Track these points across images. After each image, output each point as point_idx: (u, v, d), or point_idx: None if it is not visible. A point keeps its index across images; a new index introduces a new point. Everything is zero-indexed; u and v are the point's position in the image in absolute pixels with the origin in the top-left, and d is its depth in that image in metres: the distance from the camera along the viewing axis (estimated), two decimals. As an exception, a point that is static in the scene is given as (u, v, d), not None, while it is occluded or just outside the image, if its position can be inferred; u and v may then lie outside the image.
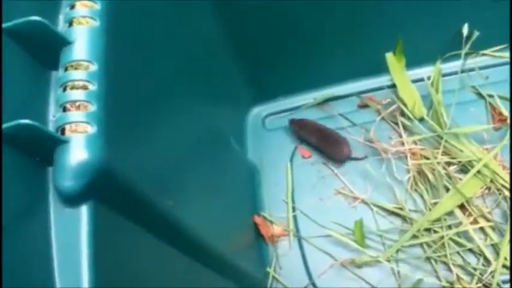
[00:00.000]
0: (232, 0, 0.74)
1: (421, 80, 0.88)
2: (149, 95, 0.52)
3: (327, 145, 0.87)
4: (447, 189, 0.79)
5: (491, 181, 0.79)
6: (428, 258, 0.77)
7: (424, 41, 0.86)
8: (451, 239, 0.77)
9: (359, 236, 0.80)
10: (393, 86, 0.89)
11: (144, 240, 0.47)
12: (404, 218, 0.81)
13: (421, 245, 0.78)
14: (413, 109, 0.85)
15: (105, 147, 0.39)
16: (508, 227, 0.75)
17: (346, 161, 0.86)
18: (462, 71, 0.89)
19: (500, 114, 0.85)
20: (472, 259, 0.76)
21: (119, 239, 0.43)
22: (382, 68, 0.89)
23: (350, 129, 0.89)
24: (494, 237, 0.77)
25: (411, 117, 0.85)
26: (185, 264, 0.55)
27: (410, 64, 0.89)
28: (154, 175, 0.49)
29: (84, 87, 0.41)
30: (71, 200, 0.38)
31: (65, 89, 0.41)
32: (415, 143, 0.84)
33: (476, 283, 0.74)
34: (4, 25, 0.40)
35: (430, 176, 0.81)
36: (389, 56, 0.88)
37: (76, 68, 0.42)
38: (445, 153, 0.82)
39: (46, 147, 0.38)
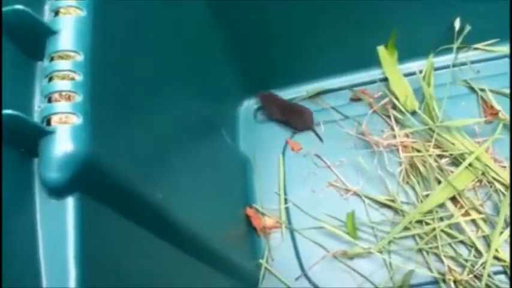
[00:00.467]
0: (224, -8, 0.74)
1: (413, 73, 0.88)
2: (137, 86, 0.51)
3: (290, 115, 0.89)
4: (439, 182, 0.79)
5: (483, 174, 0.79)
6: (420, 250, 0.78)
7: (416, 34, 0.86)
8: (442, 230, 0.77)
9: (351, 228, 0.80)
10: (385, 79, 0.89)
11: (132, 233, 0.46)
12: (396, 210, 0.81)
13: (412, 236, 0.79)
14: (405, 102, 0.85)
15: (91, 138, 0.39)
16: (500, 219, 0.76)
17: (307, 129, 0.88)
18: (454, 65, 0.89)
19: (492, 108, 0.86)
20: (463, 251, 0.77)
21: (107, 231, 0.42)
22: (374, 62, 0.89)
23: (342, 123, 0.89)
24: (486, 229, 0.77)
25: (403, 110, 0.85)
26: (176, 257, 0.55)
27: (402, 58, 0.89)
28: (142, 167, 0.48)
29: (70, 78, 0.40)
30: (57, 191, 0.38)
31: (50, 80, 0.41)
32: (407, 136, 0.84)
33: (468, 274, 0.75)
34: (-12, 14, 0.39)
35: (422, 169, 0.81)
36: (381, 50, 0.88)
37: (62, 58, 0.42)
38: (436, 146, 0.82)
39: (31, 138, 0.37)
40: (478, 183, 0.80)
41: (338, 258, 0.80)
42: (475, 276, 0.75)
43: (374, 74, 0.91)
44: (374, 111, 0.88)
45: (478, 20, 0.84)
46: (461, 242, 0.77)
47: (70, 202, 0.38)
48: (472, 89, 0.88)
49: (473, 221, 0.78)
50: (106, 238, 0.43)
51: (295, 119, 0.89)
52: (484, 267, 0.74)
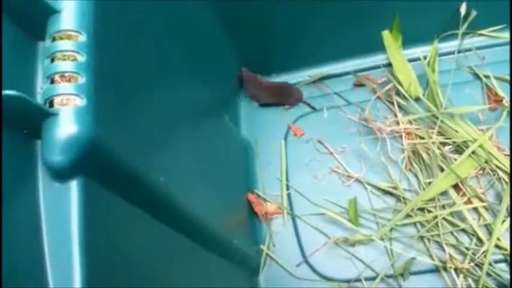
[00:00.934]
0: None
1: (417, 59, 0.87)
2: (139, 69, 0.50)
3: (279, 95, 0.89)
4: (441, 169, 0.79)
5: (486, 162, 0.79)
6: (421, 238, 0.78)
7: (421, 19, 0.85)
8: (444, 218, 0.77)
9: (353, 215, 0.80)
10: (389, 65, 0.89)
11: (134, 217, 0.46)
12: (398, 198, 0.81)
13: (414, 224, 0.79)
14: (409, 88, 0.84)
15: (94, 120, 0.38)
16: (502, 208, 0.75)
17: (299, 102, 0.89)
18: (459, 51, 0.88)
19: (496, 95, 0.85)
20: (465, 239, 0.77)
21: (109, 214, 0.42)
22: (378, 47, 0.88)
23: (345, 108, 0.88)
24: (488, 217, 0.77)
25: (407, 96, 0.84)
26: (177, 241, 0.55)
27: (407, 43, 0.88)
28: (144, 150, 0.48)
29: (72, 59, 0.39)
30: (60, 174, 0.37)
31: (52, 60, 0.40)
32: (410, 122, 0.83)
33: (469, 262, 0.75)
34: (-12, -7, 0.38)
35: (425, 156, 0.80)
36: (386, 34, 0.87)
37: (63, 39, 0.41)
38: (440, 133, 0.81)
39: (34, 120, 0.37)
40: (480, 172, 0.79)
41: (339, 245, 0.79)
42: (476, 265, 0.75)
43: (378, 59, 0.90)
44: (377, 97, 0.87)
45: (484, 5, 0.83)
46: (463, 230, 0.77)
47: (73, 185, 0.37)
48: (477, 76, 0.87)
49: (475, 209, 0.78)
50: (108, 221, 0.42)
51: (285, 97, 0.89)
52: (485, 256, 0.74)
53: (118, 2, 0.47)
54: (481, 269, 0.74)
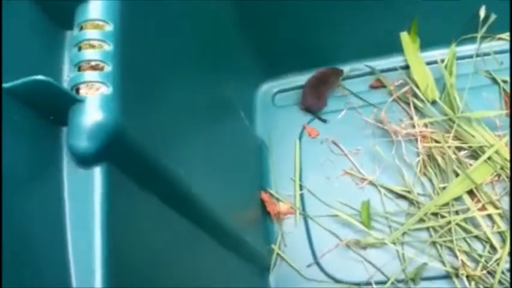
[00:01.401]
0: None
1: (435, 62, 0.87)
2: (162, 61, 0.50)
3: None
4: (456, 174, 0.78)
5: (502, 168, 0.78)
6: (433, 243, 0.77)
7: (440, 22, 0.84)
8: (458, 224, 0.76)
9: (365, 217, 0.79)
10: (406, 67, 0.88)
11: (153, 206, 0.46)
12: (411, 202, 0.80)
13: (427, 229, 0.78)
14: (426, 91, 0.84)
15: (120, 108, 0.38)
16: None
17: (307, 111, 0.89)
18: (477, 55, 0.87)
19: (514, 100, 0.84)
20: (478, 246, 0.76)
21: (130, 202, 0.42)
22: (395, 49, 0.88)
23: (361, 110, 0.88)
24: (502, 225, 0.76)
25: (423, 99, 0.84)
26: (191, 233, 0.55)
27: (425, 45, 0.88)
28: (165, 141, 0.48)
29: (100, 47, 0.40)
30: (85, 161, 0.37)
31: (79, 49, 0.40)
32: (426, 126, 0.83)
33: (481, 270, 0.74)
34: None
35: (440, 160, 0.80)
36: (404, 36, 0.86)
37: (90, 28, 0.41)
38: (456, 137, 0.81)
39: (61, 106, 0.37)
40: (496, 178, 0.79)
41: (351, 247, 0.79)
42: (489, 272, 0.74)
43: (395, 61, 0.89)
44: (394, 99, 0.86)
45: (504, 8, 0.82)
46: (476, 236, 0.76)
47: (98, 172, 0.38)
48: (495, 80, 0.86)
49: (490, 216, 0.77)
50: (129, 208, 0.42)
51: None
52: (498, 264, 0.73)
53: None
54: (493, 276, 0.73)
